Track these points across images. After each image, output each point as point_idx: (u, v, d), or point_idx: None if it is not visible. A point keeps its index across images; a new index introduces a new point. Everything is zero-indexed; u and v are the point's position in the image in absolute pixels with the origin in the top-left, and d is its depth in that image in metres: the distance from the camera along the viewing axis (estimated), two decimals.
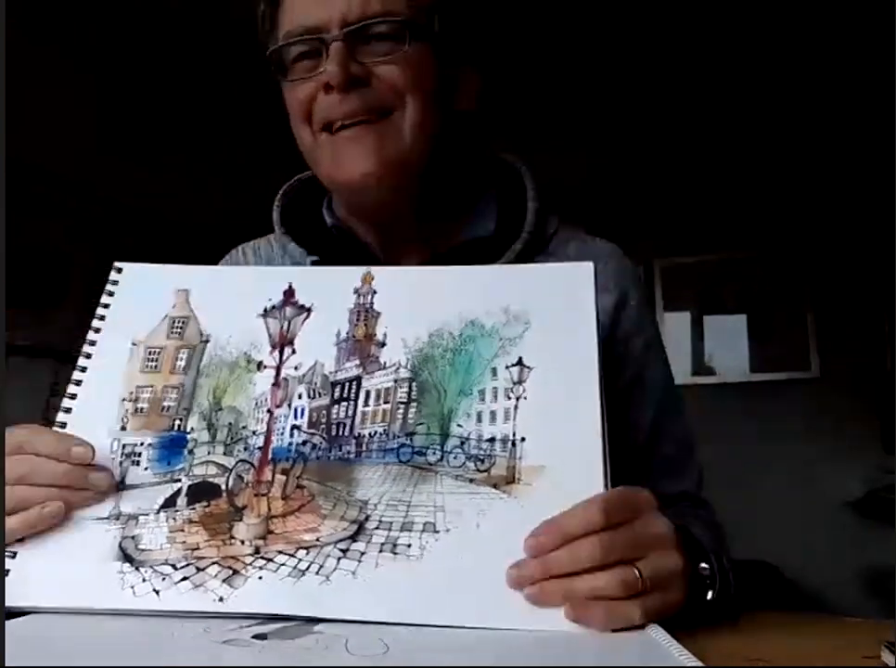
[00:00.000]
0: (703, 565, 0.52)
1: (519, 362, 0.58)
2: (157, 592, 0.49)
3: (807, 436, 3.00)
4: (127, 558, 0.51)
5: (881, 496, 2.80)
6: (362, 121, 0.69)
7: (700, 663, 0.40)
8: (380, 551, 0.50)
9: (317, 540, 0.51)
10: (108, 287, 0.65)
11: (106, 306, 0.64)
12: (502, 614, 0.47)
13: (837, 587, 2.75)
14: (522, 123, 2.82)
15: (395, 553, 0.50)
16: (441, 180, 0.76)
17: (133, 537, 0.52)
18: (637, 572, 0.47)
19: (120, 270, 0.67)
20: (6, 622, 0.47)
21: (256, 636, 0.46)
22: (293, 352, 0.61)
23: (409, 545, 0.50)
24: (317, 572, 0.49)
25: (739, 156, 3.13)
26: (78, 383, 0.60)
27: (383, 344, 0.60)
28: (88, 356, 0.62)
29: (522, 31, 2.35)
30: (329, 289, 0.64)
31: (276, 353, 0.61)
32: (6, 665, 0.40)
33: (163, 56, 2.39)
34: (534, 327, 0.59)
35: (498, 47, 2.24)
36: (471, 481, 0.53)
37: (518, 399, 0.56)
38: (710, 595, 0.52)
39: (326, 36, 0.69)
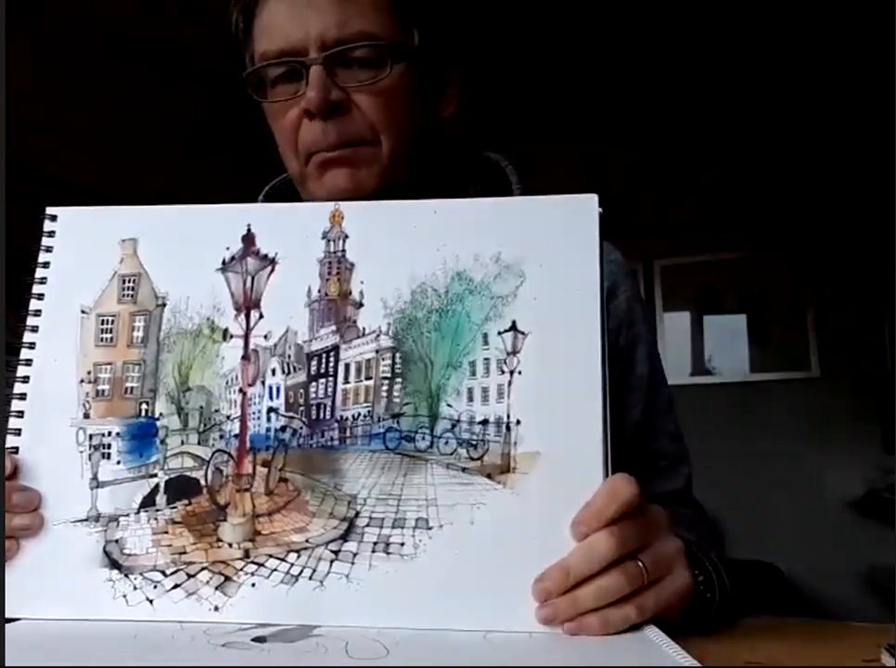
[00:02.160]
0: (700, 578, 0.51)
1: (513, 327, 0.52)
2: (150, 601, 0.49)
3: (807, 436, 2.95)
4: (114, 564, 0.50)
5: (881, 496, 2.79)
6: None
7: (698, 664, 0.41)
8: (373, 551, 0.48)
9: (307, 541, 0.49)
10: (45, 240, 0.57)
11: (45, 265, 0.57)
12: (499, 616, 0.47)
13: (837, 587, 2.80)
14: (527, 119, 2.79)
15: (388, 553, 0.48)
16: (426, 186, 0.69)
17: (116, 541, 0.50)
18: (641, 565, 0.46)
19: (55, 218, 0.58)
20: None
21: (256, 639, 0.47)
22: (260, 316, 0.54)
23: (402, 544, 0.48)
24: (310, 577, 0.48)
25: (740, 155, 3.00)
26: (28, 363, 0.55)
27: (360, 304, 0.54)
28: (35, 329, 0.55)
29: (509, 25, 2.32)
30: (294, 232, 0.56)
31: (242, 317, 0.55)
32: (7, 666, 0.41)
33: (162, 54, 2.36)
34: (529, 280, 0.53)
35: (481, 46, 2.23)
36: (464, 470, 0.50)
37: (511, 373, 0.51)
38: (708, 596, 0.51)
39: (304, 59, 0.66)
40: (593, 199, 0.54)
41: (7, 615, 0.49)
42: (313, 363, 0.53)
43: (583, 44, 2.48)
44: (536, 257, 0.53)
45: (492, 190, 0.75)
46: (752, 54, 2.50)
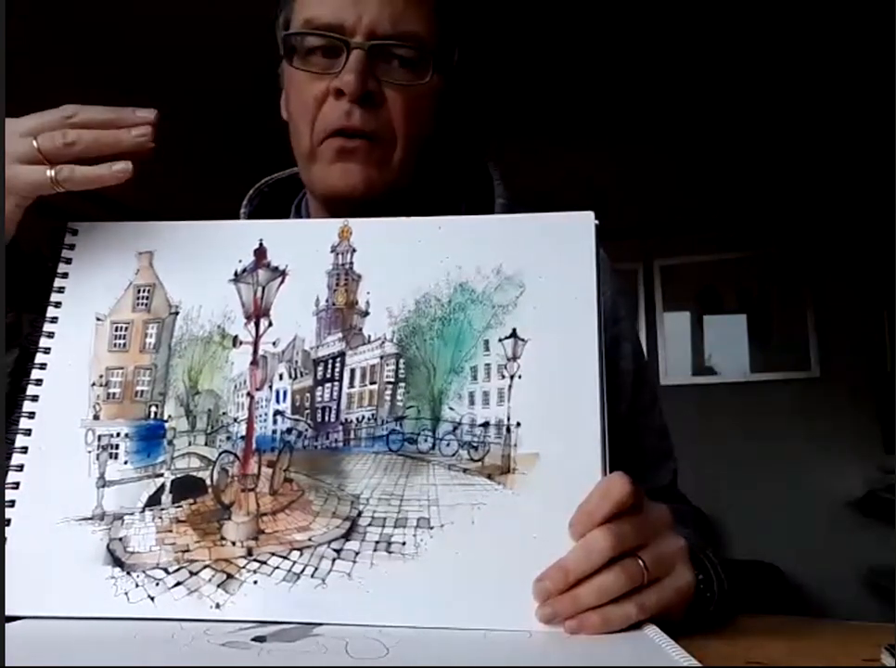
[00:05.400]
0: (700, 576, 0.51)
1: (513, 334, 0.53)
2: (151, 598, 0.49)
3: (807, 436, 2.98)
4: (116, 561, 0.50)
5: (881, 496, 2.80)
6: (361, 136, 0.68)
7: (698, 664, 0.40)
8: (375, 550, 0.49)
9: (310, 540, 0.50)
10: (65, 252, 0.60)
11: (64, 276, 0.59)
12: (499, 615, 0.47)
13: (837, 587, 2.80)
14: (527, 120, 2.79)
15: (390, 552, 0.49)
16: (421, 192, 0.73)
17: (120, 539, 0.51)
18: (641, 563, 0.47)
19: (76, 232, 0.60)
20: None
21: (256, 639, 0.47)
22: (269, 324, 0.56)
23: (404, 543, 0.49)
24: (312, 575, 0.49)
25: (740, 155, 3.02)
26: (42, 367, 0.56)
27: (366, 313, 0.56)
28: (50, 335, 0.57)
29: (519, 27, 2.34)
30: (304, 246, 0.59)
31: (252, 325, 0.56)
32: (7, 666, 0.41)
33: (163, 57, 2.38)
34: (529, 290, 0.55)
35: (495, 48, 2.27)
36: (465, 471, 0.51)
37: (512, 378, 0.52)
38: (707, 595, 0.52)
39: (349, 40, 0.66)
40: (589, 215, 0.56)
41: (8, 613, 0.49)
42: (320, 368, 0.55)
43: (590, 44, 2.48)
44: (536, 269, 0.55)
45: (478, 205, 0.76)
46: (752, 54, 2.49)
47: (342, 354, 0.55)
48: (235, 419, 0.54)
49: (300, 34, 0.68)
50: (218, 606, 0.49)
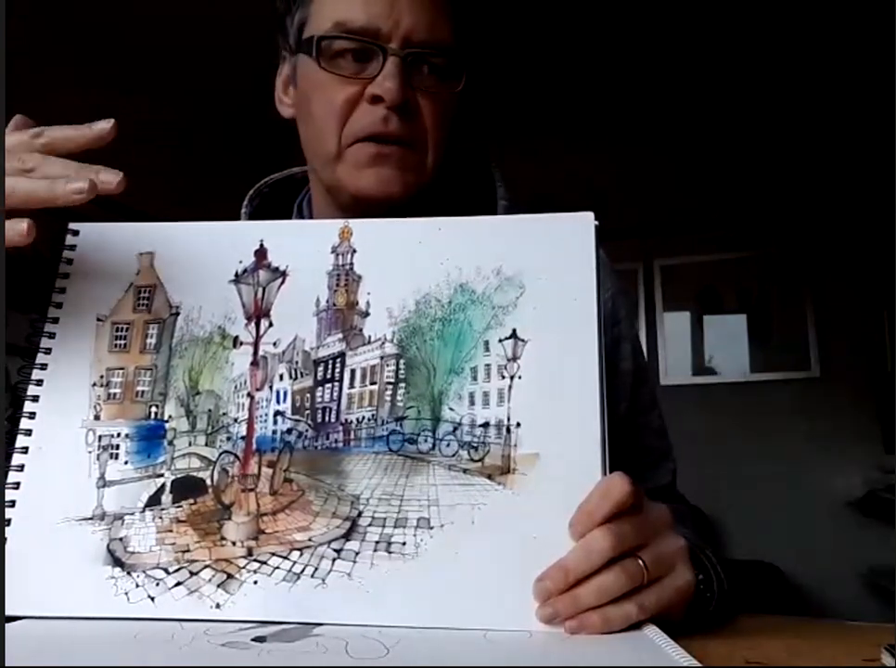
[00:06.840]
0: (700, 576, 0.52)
1: (513, 334, 0.53)
2: (151, 598, 0.49)
3: (807, 436, 2.97)
4: (117, 561, 0.50)
5: (881, 496, 2.79)
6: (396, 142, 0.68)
7: (698, 664, 0.41)
8: (375, 550, 0.49)
9: (310, 540, 0.50)
10: (66, 253, 0.59)
11: (65, 276, 0.59)
12: (499, 616, 0.47)
13: (837, 587, 2.80)
14: (527, 121, 2.83)
15: (390, 552, 0.49)
16: (433, 196, 0.73)
17: (120, 539, 0.51)
18: (641, 563, 0.47)
19: (76, 232, 0.60)
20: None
21: (256, 639, 0.47)
22: (270, 325, 0.56)
23: (404, 543, 0.49)
24: (312, 575, 0.49)
25: (740, 155, 3.04)
26: (43, 367, 0.56)
27: (366, 314, 0.56)
28: (51, 335, 0.57)
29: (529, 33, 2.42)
30: (305, 247, 0.59)
31: (252, 326, 0.57)
32: (7, 666, 0.41)
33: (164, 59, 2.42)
34: (529, 291, 0.55)
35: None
36: (465, 471, 0.51)
37: (512, 378, 0.52)
38: (707, 595, 0.52)
39: (386, 46, 0.66)
40: (589, 216, 0.56)
41: (8, 613, 0.49)
42: (320, 369, 0.55)
43: (590, 45, 2.52)
44: (536, 270, 0.55)
45: (479, 207, 0.75)
46: (753, 54, 2.53)
47: (342, 355, 0.55)
48: (235, 420, 0.54)
49: (333, 37, 0.67)
50: (218, 606, 0.49)
